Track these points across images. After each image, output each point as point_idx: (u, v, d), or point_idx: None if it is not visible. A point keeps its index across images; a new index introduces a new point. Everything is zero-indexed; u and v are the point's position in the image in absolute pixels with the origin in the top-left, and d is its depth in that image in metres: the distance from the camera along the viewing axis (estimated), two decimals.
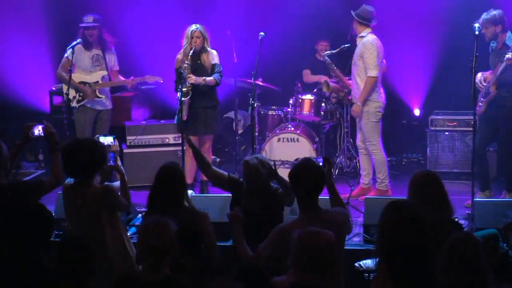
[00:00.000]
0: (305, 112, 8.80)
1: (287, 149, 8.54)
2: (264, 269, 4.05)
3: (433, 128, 8.96)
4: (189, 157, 7.27)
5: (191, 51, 7.74)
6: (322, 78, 9.05)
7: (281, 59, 9.67)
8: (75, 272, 3.86)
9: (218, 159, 9.41)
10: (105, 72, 8.36)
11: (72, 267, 3.85)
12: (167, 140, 8.80)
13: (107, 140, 6.17)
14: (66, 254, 3.89)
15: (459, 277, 3.67)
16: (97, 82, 8.33)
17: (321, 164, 4.95)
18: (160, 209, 4.79)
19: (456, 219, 5.65)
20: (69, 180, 5.14)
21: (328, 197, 4.98)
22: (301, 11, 9.60)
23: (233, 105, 9.06)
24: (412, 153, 9.81)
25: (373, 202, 6.68)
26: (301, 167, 4.70)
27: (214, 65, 7.88)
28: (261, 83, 8.96)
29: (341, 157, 9.07)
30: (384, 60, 8.02)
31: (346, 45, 8.42)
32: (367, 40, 7.84)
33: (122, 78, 8.54)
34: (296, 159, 8.18)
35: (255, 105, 7.82)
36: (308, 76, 9.46)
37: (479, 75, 7.43)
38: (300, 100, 8.82)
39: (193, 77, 7.75)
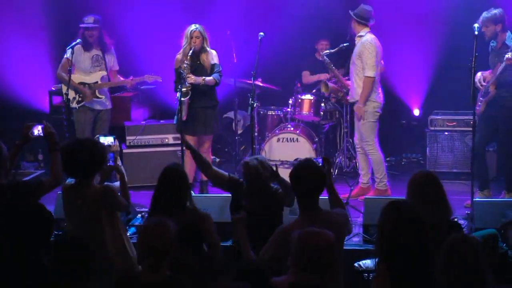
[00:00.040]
0: (304, 112, 8.80)
1: (286, 149, 8.53)
2: (265, 269, 4.06)
3: (432, 128, 8.96)
4: (189, 157, 7.26)
5: (191, 51, 7.74)
6: (322, 77, 9.05)
7: (281, 59, 9.67)
8: (75, 272, 3.86)
9: (217, 159, 9.40)
10: (104, 73, 8.35)
11: (71, 267, 3.85)
12: (167, 140, 8.80)
13: (107, 140, 6.16)
14: (65, 254, 3.88)
15: (458, 277, 3.67)
16: (97, 82, 8.33)
17: (320, 164, 4.96)
18: (163, 210, 4.81)
19: (456, 219, 5.64)
20: (69, 180, 5.15)
21: (327, 197, 4.99)
22: (300, 11, 9.61)
23: (232, 105, 9.06)
24: (412, 153, 9.82)
25: (373, 202, 6.68)
26: (301, 167, 4.71)
27: (213, 65, 7.88)
28: (260, 84, 8.96)
29: (340, 157, 9.08)
30: (382, 61, 8.02)
31: (345, 44, 8.43)
32: (366, 40, 7.84)
33: (122, 78, 8.54)
34: (296, 159, 8.18)
35: (255, 105, 7.82)
36: (307, 77, 9.45)
37: (478, 74, 7.44)
38: (299, 100, 8.82)
39: (193, 77, 7.74)
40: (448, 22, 9.29)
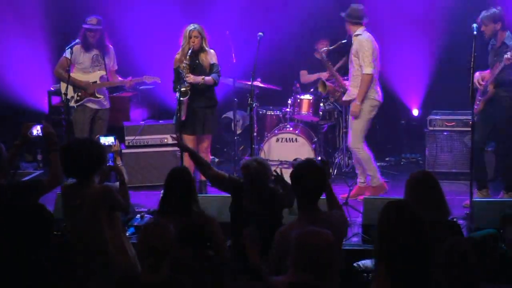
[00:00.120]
0: (303, 112, 8.80)
1: (285, 149, 8.53)
2: (264, 269, 4.06)
3: (431, 128, 8.95)
4: (187, 157, 7.27)
5: (190, 51, 7.73)
6: (321, 75, 9.03)
7: (280, 59, 9.67)
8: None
9: (216, 159, 9.41)
10: (103, 73, 8.34)
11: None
12: (166, 140, 8.79)
13: (108, 140, 6.16)
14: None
15: (458, 277, 3.67)
16: (95, 82, 8.32)
17: None
18: (170, 211, 4.87)
19: (455, 219, 5.66)
20: (70, 180, 5.14)
21: (325, 198, 4.98)
22: (300, 11, 9.61)
23: (231, 105, 9.06)
24: (411, 153, 9.83)
25: (372, 202, 6.68)
26: (302, 167, 4.70)
27: (212, 65, 7.87)
28: (260, 84, 8.95)
29: (339, 157, 9.08)
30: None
31: (343, 41, 8.41)
32: (363, 38, 7.87)
33: (120, 79, 8.53)
34: (295, 159, 8.19)
35: (254, 105, 7.81)
36: (305, 77, 9.44)
37: (477, 74, 7.45)
38: (298, 100, 8.81)
39: (192, 76, 7.74)
40: (447, 22, 9.30)
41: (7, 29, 9.84)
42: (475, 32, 6.95)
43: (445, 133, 8.90)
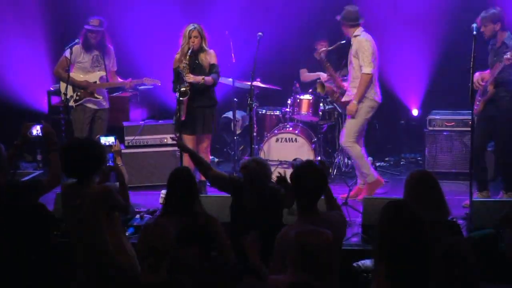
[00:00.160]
0: (303, 112, 8.80)
1: (285, 149, 8.53)
2: (264, 269, 4.06)
3: (431, 128, 8.95)
4: (187, 158, 7.27)
5: (189, 51, 7.73)
6: (321, 75, 9.03)
7: (280, 59, 9.67)
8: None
9: (216, 159, 9.41)
10: (103, 73, 8.34)
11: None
12: (165, 140, 8.79)
13: (108, 140, 6.16)
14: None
15: (457, 277, 3.67)
16: (95, 82, 8.32)
17: None
18: (173, 212, 4.87)
19: (455, 219, 5.65)
20: (69, 180, 5.14)
21: (323, 198, 4.98)
22: (299, 11, 9.61)
23: (231, 105, 9.06)
24: (411, 153, 9.84)
25: (371, 202, 6.68)
26: (302, 168, 4.70)
27: (212, 65, 7.86)
28: (259, 84, 8.95)
29: (339, 157, 9.08)
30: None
31: (342, 42, 8.41)
32: (362, 38, 7.86)
33: (120, 80, 8.53)
34: (295, 159, 8.20)
35: (253, 105, 7.81)
36: (305, 75, 9.45)
37: (477, 74, 7.45)
38: (298, 100, 8.81)
39: (192, 76, 7.73)
40: (447, 22, 9.30)
41: (7, 29, 9.84)
42: (474, 32, 6.95)
43: (445, 133, 8.90)
